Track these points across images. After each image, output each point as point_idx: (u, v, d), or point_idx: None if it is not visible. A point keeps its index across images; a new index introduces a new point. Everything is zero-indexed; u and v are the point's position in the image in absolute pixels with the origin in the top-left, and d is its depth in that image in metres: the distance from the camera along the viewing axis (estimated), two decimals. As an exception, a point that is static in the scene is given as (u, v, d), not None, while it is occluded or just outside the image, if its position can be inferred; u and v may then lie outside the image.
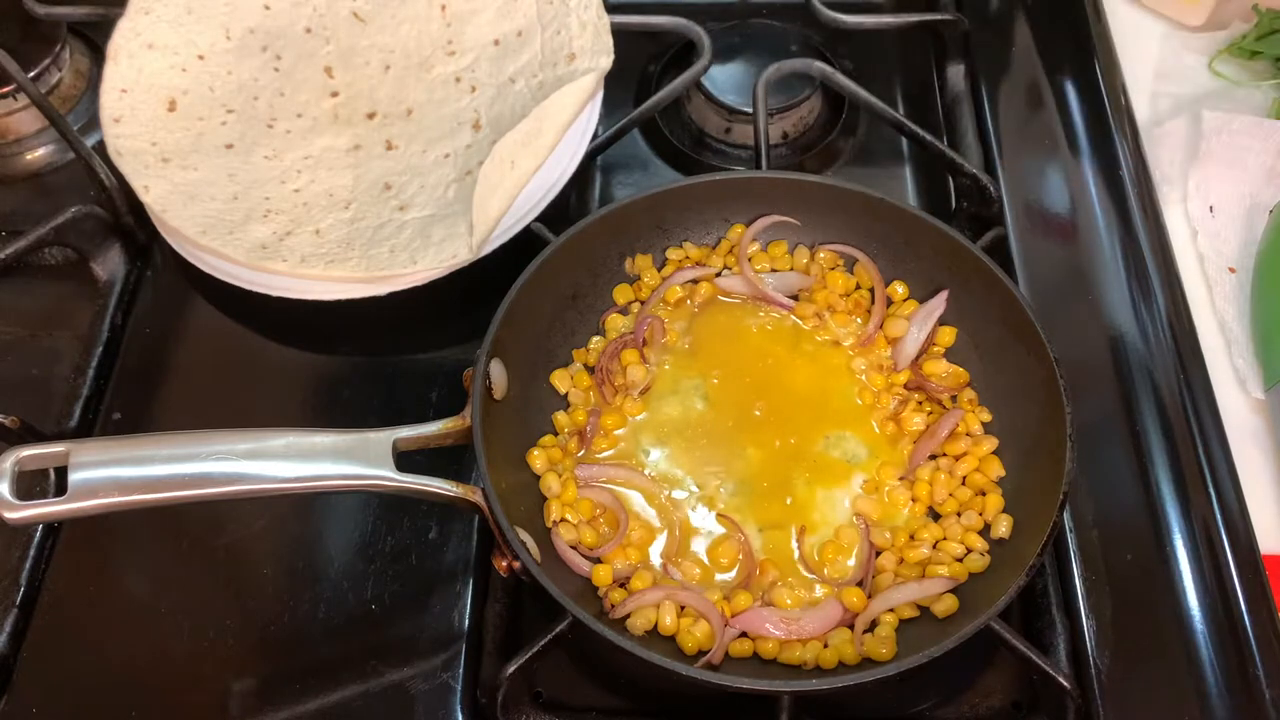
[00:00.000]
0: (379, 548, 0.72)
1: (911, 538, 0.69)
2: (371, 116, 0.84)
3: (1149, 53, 0.98)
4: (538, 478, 0.71)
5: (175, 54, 0.82)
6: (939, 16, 0.98)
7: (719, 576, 0.68)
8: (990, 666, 0.69)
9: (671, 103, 0.91)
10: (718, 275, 0.80)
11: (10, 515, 0.57)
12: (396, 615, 0.70)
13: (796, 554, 0.69)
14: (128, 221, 0.86)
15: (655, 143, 0.95)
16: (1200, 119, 0.88)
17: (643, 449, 0.73)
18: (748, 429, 0.73)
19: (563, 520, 0.69)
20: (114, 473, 0.58)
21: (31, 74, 0.91)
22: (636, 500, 0.71)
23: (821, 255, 0.80)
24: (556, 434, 0.74)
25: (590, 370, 0.76)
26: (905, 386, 0.75)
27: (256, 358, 0.82)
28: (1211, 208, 0.87)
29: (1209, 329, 0.82)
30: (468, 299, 0.77)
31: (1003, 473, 0.71)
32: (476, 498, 0.64)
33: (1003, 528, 0.68)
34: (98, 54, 0.96)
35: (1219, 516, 0.71)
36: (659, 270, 0.80)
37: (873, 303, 0.78)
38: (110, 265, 0.85)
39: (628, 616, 0.65)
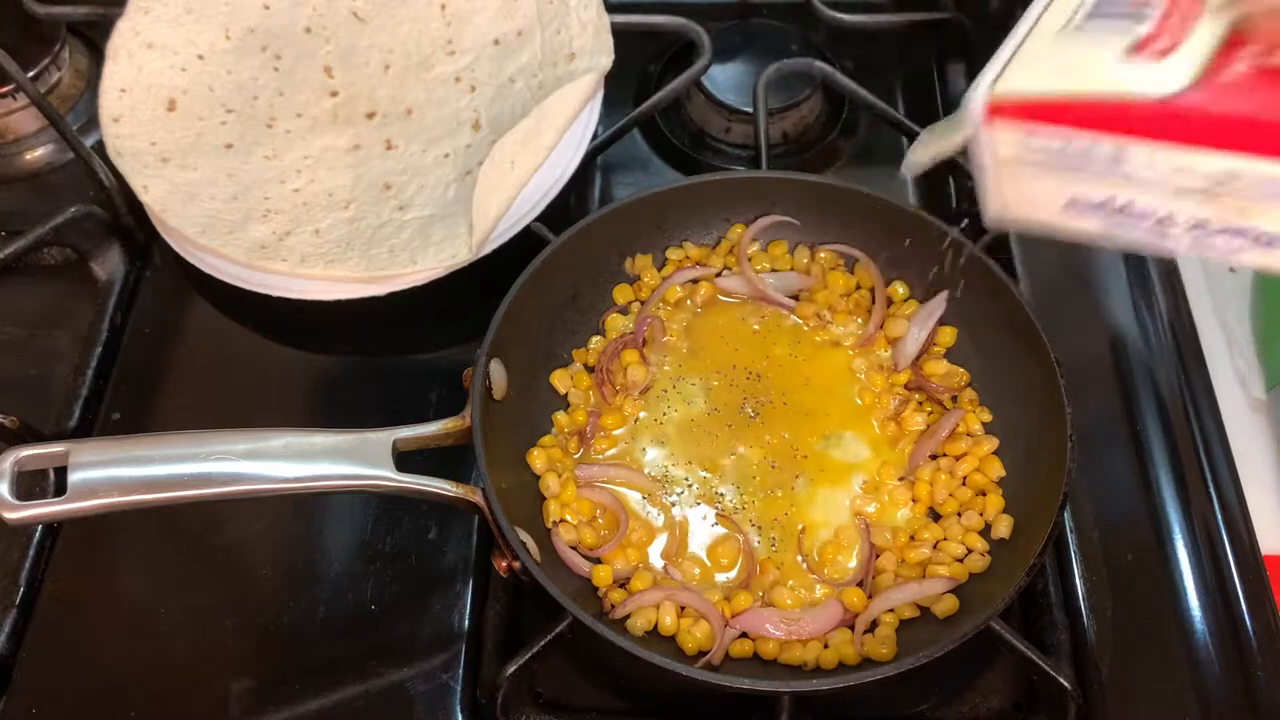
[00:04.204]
0: (379, 548, 0.72)
1: (912, 538, 0.69)
2: (371, 116, 0.84)
3: (1149, 52, 0.97)
4: (538, 478, 0.71)
5: (175, 54, 0.82)
6: (939, 16, 0.98)
7: (719, 576, 0.68)
8: (990, 666, 0.68)
9: (671, 102, 0.91)
10: (718, 275, 0.80)
11: (10, 515, 0.57)
12: (396, 615, 0.70)
13: (797, 554, 0.69)
14: (127, 221, 0.86)
15: (655, 143, 0.94)
16: (1200, 118, 0.88)
17: (642, 449, 0.73)
18: (748, 429, 0.73)
19: (563, 520, 0.69)
20: (114, 473, 0.58)
21: (31, 74, 0.91)
22: (636, 500, 0.71)
23: (822, 255, 0.79)
24: (556, 434, 0.74)
25: (590, 370, 0.76)
26: (906, 386, 0.75)
27: (256, 358, 0.82)
28: (1212, 207, 0.87)
29: (1210, 329, 0.81)
30: (468, 299, 0.77)
31: (1003, 473, 0.71)
32: (476, 498, 0.64)
33: (1003, 528, 0.68)
34: (97, 54, 0.96)
35: (1219, 516, 0.71)
36: (659, 270, 0.80)
37: (873, 303, 0.78)
38: (110, 265, 0.85)
39: (628, 617, 0.65)
